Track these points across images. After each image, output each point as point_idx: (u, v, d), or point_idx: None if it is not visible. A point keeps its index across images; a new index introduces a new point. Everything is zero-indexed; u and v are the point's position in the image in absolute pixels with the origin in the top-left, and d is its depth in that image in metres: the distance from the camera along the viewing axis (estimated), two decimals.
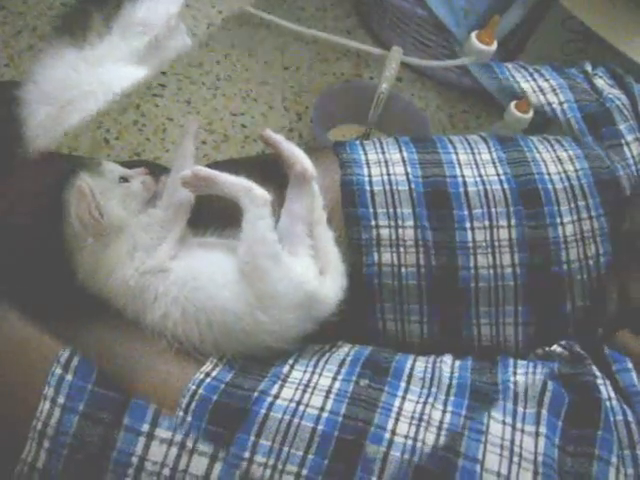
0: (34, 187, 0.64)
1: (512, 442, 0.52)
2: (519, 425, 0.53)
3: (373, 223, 0.67)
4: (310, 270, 0.62)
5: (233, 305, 0.58)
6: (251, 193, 0.59)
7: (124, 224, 0.61)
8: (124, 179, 0.62)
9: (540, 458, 0.51)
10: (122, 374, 0.56)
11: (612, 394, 0.56)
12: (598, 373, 0.58)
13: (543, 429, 0.53)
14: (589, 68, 0.75)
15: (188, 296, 0.59)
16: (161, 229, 0.61)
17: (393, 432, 0.53)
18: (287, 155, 0.67)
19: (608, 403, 0.55)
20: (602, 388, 0.56)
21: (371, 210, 0.67)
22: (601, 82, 0.73)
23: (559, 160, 0.71)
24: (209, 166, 0.69)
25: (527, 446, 0.52)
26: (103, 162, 0.63)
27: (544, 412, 0.54)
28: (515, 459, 0.51)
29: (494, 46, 1.02)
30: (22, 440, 0.48)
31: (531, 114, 1.18)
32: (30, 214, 0.62)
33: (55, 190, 0.60)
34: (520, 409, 0.54)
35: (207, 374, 0.57)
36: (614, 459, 0.52)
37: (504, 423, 0.53)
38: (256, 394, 0.55)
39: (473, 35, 1.04)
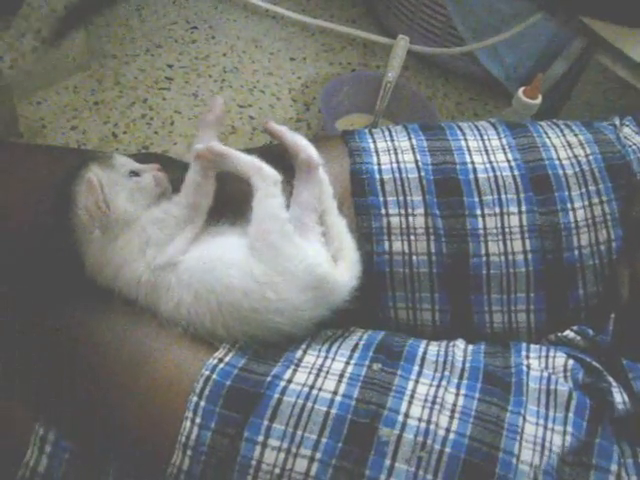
0: (47, 180, 0.64)
1: (543, 439, 0.53)
2: (550, 425, 0.54)
3: (383, 211, 0.67)
4: (322, 255, 0.62)
5: (241, 283, 0.58)
6: (262, 172, 0.60)
7: (131, 218, 0.61)
8: (135, 173, 0.62)
9: (567, 450, 0.53)
10: (136, 360, 0.57)
11: (626, 399, 0.57)
12: (614, 382, 0.58)
13: (570, 429, 0.54)
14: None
15: (199, 280, 0.59)
16: (175, 226, 0.61)
17: (406, 415, 0.54)
18: (291, 145, 0.67)
19: (621, 407, 0.56)
20: (616, 395, 0.57)
21: (381, 199, 0.67)
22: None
23: (569, 145, 0.70)
24: None
25: (556, 442, 0.53)
26: (115, 155, 0.63)
27: (571, 415, 0.55)
28: (546, 452, 0.52)
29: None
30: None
31: (539, 100, 1.17)
32: (44, 206, 0.62)
33: (65, 181, 0.60)
34: (551, 413, 0.55)
35: (220, 359, 0.57)
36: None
37: (537, 424, 0.54)
38: (269, 379, 0.56)
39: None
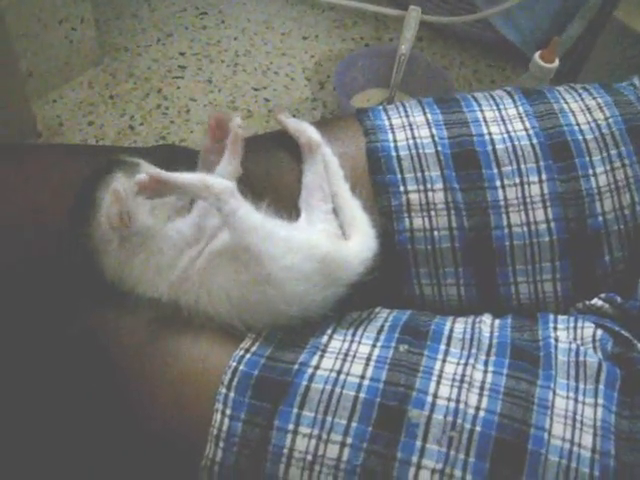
0: (64, 185, 0.64)
1: (575, 412, 0.53)
2: (580, 398, 0.54)
3: (402, 189, 0.66)
4: (324, 234, 0.61)
5: (243, 277, 0.58)
6: (213, 189, 0.57)
7: (150, 233, 0.60)
8: None
9: (599, 423, 0.52)
10: (164, 357, 0.57)
11: None
12: None
13: (601, 400, 0.54)
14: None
15: (209, 278, 0.59)
16: (186, 245, 0.60)
17: (435, 395, 0.54)
18: (292, 131, 0.67)
19: None
20: None
21: (399, 176, 0.66)
22: None
23: (588, 109, 0.69)
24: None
25: (588, 415, 0.53)
26: (142, 163, 0.61)
27: (601, 387, 0.55)
28: (577, 425, 0.52)
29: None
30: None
31: (557, 63, 1.15)
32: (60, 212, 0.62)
33: (90, 185, 0.60)
34: (581, 385, 0.55)
35: (247, 350, 0.57)
36: None
37: (567, 397, 0.54)
38: (296, 366, 0.56)
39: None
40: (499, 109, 0.70)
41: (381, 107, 0.73)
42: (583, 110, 0.69)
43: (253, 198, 0.60)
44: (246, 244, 0.57)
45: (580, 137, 0.67)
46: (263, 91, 1.41)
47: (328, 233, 0.63)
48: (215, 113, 0.65)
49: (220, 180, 0.58)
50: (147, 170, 0.60)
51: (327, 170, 0.66)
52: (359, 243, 0.62)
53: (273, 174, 0.68)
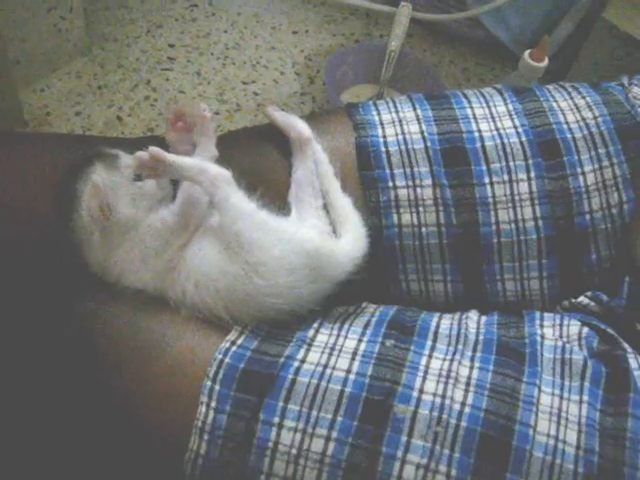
0: (55, 174, 0.64)
1: (560, 409, 0.53)
2: (566, 395, 0.54)
3: (390, 184, 0.66)
4: (315, 230, 0.61)
5: (231, 268, 0.58)
6: (208, 174, 0.58)
7: (132, 223, 0.60)
8: (139, 176, 0.61)
9: (584, 420, 0.53)
10: (149, 347, 0.57)
11: None
12: (629, 349, 0.58)
13: (586, 397, 0.54)
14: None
15: (196, 269, 0.59)
16: (171, 234, 0.60)
17: (421, 390, 0.54)
18: (282, 126, 0.67)
19: (636, 372, 0.55)
20: (631, 361, 0.56)
21: (388, 171, 0.66)
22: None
23: (577, 108, 0.69)
24: (223, 137, 0.69)
25: (572, 411, 0.53)
26: (121, 155, 0.61)
27: (587, 384, 0.55)
28: (562, 422, 0.52)
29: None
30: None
31: (546, 62, 1.15)
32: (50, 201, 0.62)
33: (69, 177, 0.60)
34: (567, 382, 0.55)
35: (233, 342, 0.57)
36: None
37: (553, 394, 0.54)
38: (282, 359, 0.56)
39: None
40: (489, 106, 0.70)
41: (371, 102, 0.73)
42: (572, 109, 0.69)
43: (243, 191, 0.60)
44: (237, 231, 0.57)
45: (569, 135, 0.67)
46: (252, 85, 1.41)
47: (319, 229, 0.62)
48: (174, 106, 0.64)
49: (217, 166, 0.59)
50: (127, 161, 0.60)
51: (318, 166, 0.65)
52: (349, 242, 0.62)
53: (261, 168, 0.67)
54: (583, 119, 0.68)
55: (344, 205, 0.65)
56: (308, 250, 0.58)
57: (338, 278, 0.60)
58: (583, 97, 0.70)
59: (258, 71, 1.44)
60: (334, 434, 0.52)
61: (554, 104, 0.70)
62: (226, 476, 0.53)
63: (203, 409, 0.54)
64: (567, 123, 0.68)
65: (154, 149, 0.57)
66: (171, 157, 0.58)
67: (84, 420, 0.57)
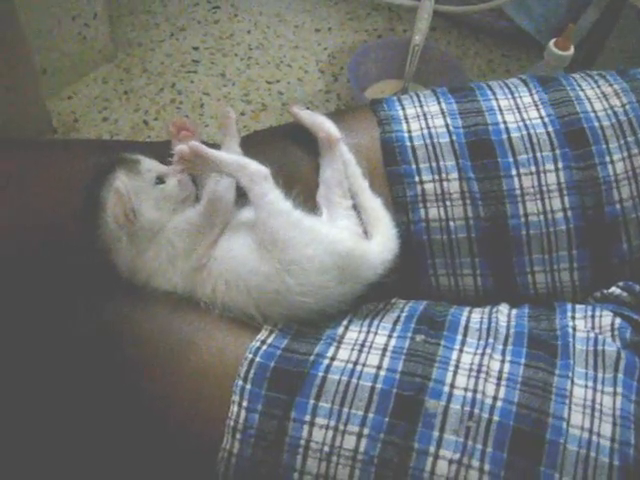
0: (81, 179, 0.65)
1: (593, 401, 0.53)
2: (599, 387, 0.53)
3: (417, 179, 0.66)
4: (347, 231, 0.61)
5: (262, 267, 0.58)
6: (248, 171, 0.59)
7: (157, 227, 0.61)
8: (160, 179, 0.62)
9: (618, 412, 0.52)
10: (180, 349, 0.58)
11: None
12: None
13: (620, 389, 0.53)
14: None
15: (226, 268, 0.59)
16: (198, 233, 0.61)
17: (452, 385, 0.53)
18: (310, 126, 0.67)
19: None
20: None
21: (414, 166, 0.66)
22: None
23: (604, 96, 0.68)
24: (248, 137, 0.70)
25: (607, 404, 0.52)
26: (142, 160, 0.62)
27: (620, 376, 0.54)
28: (596, 414, 0.52)
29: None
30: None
31: (572, 51, 1.14)
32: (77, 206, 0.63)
33: (93, 185, 0.60)
34: (600, 374, 0.54)
35: (263, 341, 0.57)
36: None
37: (586, 387, 0.53)
38: (312, 357, 0.56)
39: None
40: (514, 97, 0.70)
41: (395, 97, 0.73)
42: (599, 97, 0.68)
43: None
44: (271, 228, 0.58)
45: (596, 124, 0.66)
46: (277, 84, 1.41)
47: (350, 230, 0.62)
48: (172, 121, 0.65)
49: (256, 163, 0.59)
50: (148, 165, 0.61)
51: (346, 167, 0.65)
52: (381, 244, 0.62)
53: (288, 167, 0.67)
54: (611, 107, 0.67)
55: (375, 206, 0.64)
56: (340, 251, 0.59)
57: (369, 279, 0.60)
58: (610, 85, 0.69)
59: (282, 70, 1.44)
60: (366, 431, 0.52)
61: (580, 93, 0.69)
62: (259, 475, 0.53)
63: (235, 408, 0.54)
64: (594, 112, 0.67)
65: (194, 143, 0.58)
66: (211, 152, 0.59)
67: (115, 424, 0.58)
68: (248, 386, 0.55)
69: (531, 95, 0.70)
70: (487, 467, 0.50)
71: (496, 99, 0.70)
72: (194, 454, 0.56)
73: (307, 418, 0.53)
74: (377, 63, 1.38)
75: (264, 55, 1.47)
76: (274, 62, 1.46)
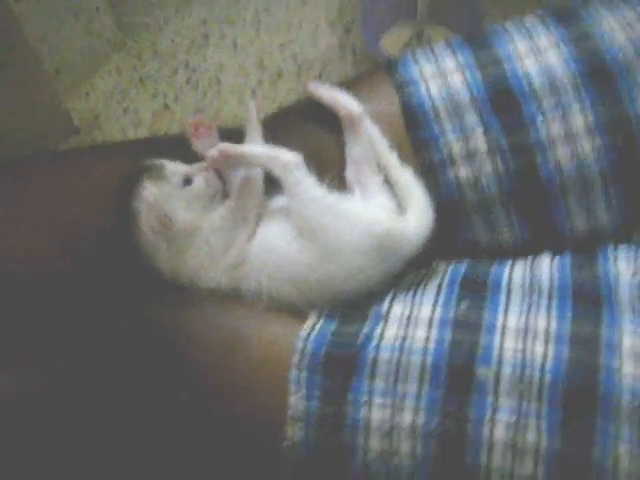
0: (108, 185, 0.65)
1: None
2: None
3: (442, 141, 0.65)
4: (383, 209, 0.61)
5: (302, 257, 0.59)
6: (279, 161, 0.59)
7: (193, 227, 0.61)
8: (187, 179, 0.62)
9: None
10: (231, 344, 0.59)
11: None
12: None
13: None
14: None
15: (267, 262, 0.60)
16: (234, 228, 0.62)
17: (501, 349, 0.54)
18: (329, 103, 0.66)
19: None
20: None
21: (437, 127, 0.65)
22: None
23: (629, 25, 0.65)
24: (272, 116, 0.69)
25: None
26: (165, 164, 0.62)
27: None
28: None
29: None
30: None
31: None
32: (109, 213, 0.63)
33: (122, 198, 0.61)
34: None
35: (312, 328, 0.58)
36: None
37: (635, 333, 0.53)
38: (362, 338, 0.56)
39: None
40: (532, 39, 0.67)
41: (409, 54, 0.71)
42: (624, 27, 0.65)
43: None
44: (307, 216, 0.59)
45: (621, 57, 0.63)
46: (290, 46, 1.39)
47: (385, 207, 0.62)
48: (189, 120, 0.65)
49: (287, 152, 0.60)
50: (173, 168, 0.62)
51: (372, 142, 0.64)
52: (417, 218, 0.62)
53: (312, 147, 0.66)
54: (637, 35, 0.64)
55: (407, 179, 0.64)
56: (378, 232, 0.59)
57: (408, 255, 0.61)
58: (633, 9, 0.66)
59: (293, 31, 1.42)
60: (422, 403, 0.53)
61: (603, 23, 0.66)
62: (326, 459, 0.55)
63: (293, 398, 0.55)
64: (618, 45, 0.64)
65: (222, 146, 0.60)
66: (241, 148, 0.60)
67: (172, 421, 0.59)
68: (303, 374, 0.56)
69: (549, 34, 0.67)
70: (544, 425, 0.51)
71: (513, 43, 0.67)
72: (255, 447, 0.57)
73: (364, 399, 0.54)
74: (388, 7, 1.34)
75: (273, 17, 1.45)
76: (284, 23, 1.43)
